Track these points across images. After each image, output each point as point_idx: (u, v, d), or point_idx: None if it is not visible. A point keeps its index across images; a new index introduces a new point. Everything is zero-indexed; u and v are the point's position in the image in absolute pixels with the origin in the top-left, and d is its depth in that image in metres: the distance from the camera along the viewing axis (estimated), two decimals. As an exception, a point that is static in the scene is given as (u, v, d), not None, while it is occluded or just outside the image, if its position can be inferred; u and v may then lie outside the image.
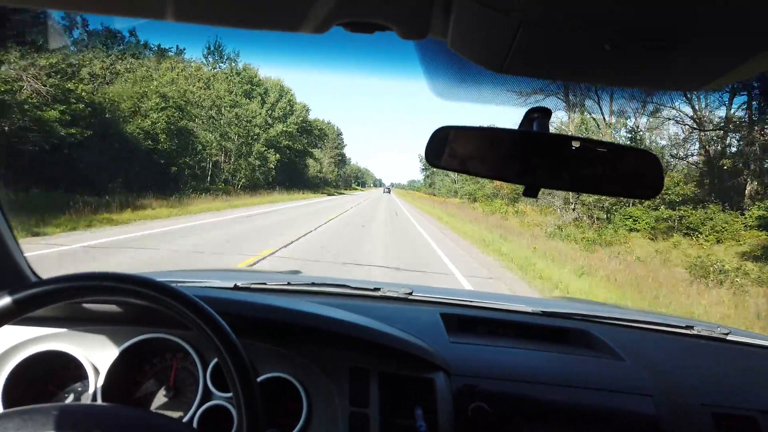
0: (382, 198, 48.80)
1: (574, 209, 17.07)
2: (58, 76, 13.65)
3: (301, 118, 41.42)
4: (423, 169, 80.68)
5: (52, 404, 0.65)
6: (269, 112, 34.56)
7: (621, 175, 0.66)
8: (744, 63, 0.45)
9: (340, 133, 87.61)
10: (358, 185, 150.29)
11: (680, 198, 16.31)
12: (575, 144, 0.63)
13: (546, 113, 0.64)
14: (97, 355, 0.98)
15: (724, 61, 0.46)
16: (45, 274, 0.86)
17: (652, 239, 15.19)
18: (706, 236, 14.43)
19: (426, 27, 0.47)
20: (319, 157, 58.33)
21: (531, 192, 0.65)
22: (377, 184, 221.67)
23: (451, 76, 0.61)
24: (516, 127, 0.67)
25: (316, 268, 6.63)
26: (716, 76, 0.49)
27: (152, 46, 23.64)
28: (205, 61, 28.56)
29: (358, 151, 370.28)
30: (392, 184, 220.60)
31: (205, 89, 25.79)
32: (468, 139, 0.69)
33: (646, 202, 15.62)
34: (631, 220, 16.40)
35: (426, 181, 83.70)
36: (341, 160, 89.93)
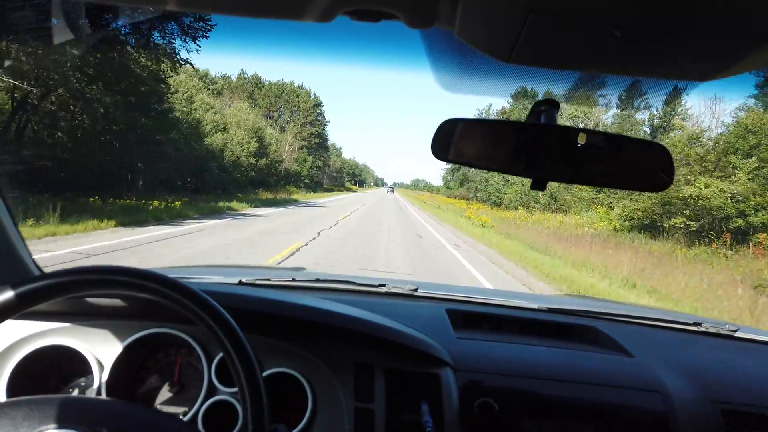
0: (383, 213, 21.79)
1: None
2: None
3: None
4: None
5: (58, 396, 0.65)
6: None
7: (631, 167, 0.66)
8: (754, 52, 0.44)
9: (319, 104, 58.05)
10: (354, 184, 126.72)
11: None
12: (584, 136, 0.62)
13: (554, 105, 0.63)
14: (101, 349, 0.98)
15: (736, 50, 0.45)
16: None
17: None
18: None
19: (433, 15, 0.47)
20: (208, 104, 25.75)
21: (539, 185, 0.65)
22: (379, 183, 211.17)
23: (458, 67, 0.60)
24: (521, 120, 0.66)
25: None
26: (730, 64, 0.48)
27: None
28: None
29: (359, 149, 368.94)
30: (395, 184, 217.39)
31: None
32: (475, 132, 0.69)
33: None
34: None
35: (447, 179, 60.91)
36: (321, 145, 59.58)
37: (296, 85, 57.44)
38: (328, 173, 74.76)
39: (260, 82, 54.10)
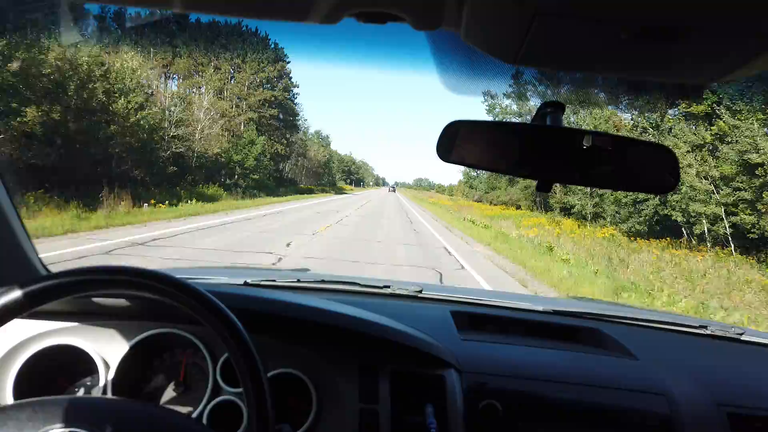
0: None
1: None
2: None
3: None
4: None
5: (63, 396, 0.65)
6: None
7: (636, 169, 0.66)
8: (760, 54, 0.44)
9: (282, 59, 34.13)
10: (350, 183, 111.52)
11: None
12: (589, 138, 0.62)
13: (559, 107, 0.63)
14: (107, 349, 0.99)
15: (742, 52, 0.45)
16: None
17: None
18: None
19: (439, 17, 0.47)
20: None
21: (544, 187, 0.65)
22: (380, 182, 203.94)
23: (464, 69, 0.60)
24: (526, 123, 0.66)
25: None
26: (735, 66, 0.48)
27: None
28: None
29: (360, 148, 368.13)
30: (397, 183, 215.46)
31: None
32: (480, 134, 0.69)
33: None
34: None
35: (470, 176, 46.42)
36: (287, 123, 36.93)
37: (246, 29, 31.45)
38: (308, 168, 50.81)
39: (185, 21, 27.70)
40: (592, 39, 0.45)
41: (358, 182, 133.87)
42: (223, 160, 24.02)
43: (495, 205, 30.16)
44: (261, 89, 33.04)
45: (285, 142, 36.46)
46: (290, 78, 37.54)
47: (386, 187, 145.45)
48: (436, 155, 0.68)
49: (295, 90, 38.92)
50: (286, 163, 40.11)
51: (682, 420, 0.98)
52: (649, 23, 0.41)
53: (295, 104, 39.56)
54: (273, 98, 34.08)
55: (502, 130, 0.70)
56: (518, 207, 26.77)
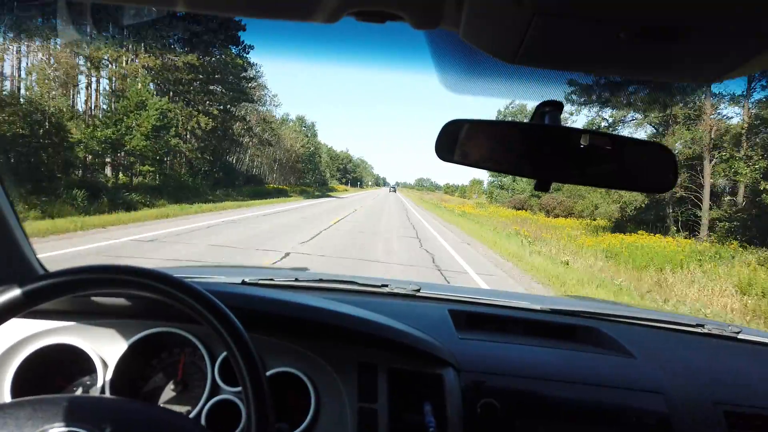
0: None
1: None
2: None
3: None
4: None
5: (62, 395, 0.65)
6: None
7: (634, 168, 0.66)
8: (760, 54, 0.44)
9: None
10: (345, 183, 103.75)
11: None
12: (587, 137, 0.63)
13: (558, 106, 0.63)
14: (105, 348, 0.98)
15: (741, 51, 0.45)
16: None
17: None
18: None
19: (438, 16, 0.47)
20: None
21: (542, 186, 0.65)
22: (380, 182, 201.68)
23: (463, 68, 0.61)
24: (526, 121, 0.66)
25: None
26: (735, 66, 0.48)
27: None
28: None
29: (361, 148, 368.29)
30: (397, 183, 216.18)
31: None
32: (478, 133, 0.69)
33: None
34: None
35: (494, 173, 30.33)
36: (229, 86, 21.79)
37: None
38: (283, 161, 38.70)
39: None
40: (591, 39, 0.45)
41: (355, 182, 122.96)
42: (56, 139, 12.91)
43: (556, 216, 20.51)
44: (176, 22, 17.80)
45: (217, 112, 21.55)
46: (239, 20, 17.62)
47: (386, 187, 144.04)
48: (435, 155, 0.68)
49: (245, 39, 21.98)
50: (242, 153, 26.88)
51: (680, 418, 0.98)
52: (649, 23, 0.41)
53: (252, 65, 24.57)
54: (193, 37, 19.08)
55: (501, 128, 0.70)
56: (619, 226, 15.49)
